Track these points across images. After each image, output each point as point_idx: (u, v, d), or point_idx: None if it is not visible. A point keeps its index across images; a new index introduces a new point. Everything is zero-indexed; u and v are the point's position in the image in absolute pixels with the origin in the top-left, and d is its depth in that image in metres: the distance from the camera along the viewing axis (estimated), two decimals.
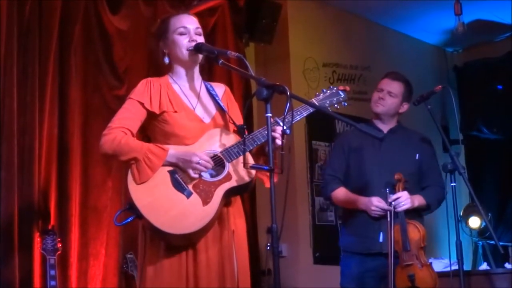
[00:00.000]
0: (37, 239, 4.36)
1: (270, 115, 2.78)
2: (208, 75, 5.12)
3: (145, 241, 2.96)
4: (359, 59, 6.84)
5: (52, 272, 4.18)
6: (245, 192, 3.11)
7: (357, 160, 4.26)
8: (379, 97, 4.28)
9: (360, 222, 4.17)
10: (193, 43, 3.06)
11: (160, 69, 3.30)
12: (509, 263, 5.90)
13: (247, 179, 2.97)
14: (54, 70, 4.73)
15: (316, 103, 3.16)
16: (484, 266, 6.19)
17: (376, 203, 4.03)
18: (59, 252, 4.30)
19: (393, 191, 4.02)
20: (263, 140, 2.98)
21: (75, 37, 4.91)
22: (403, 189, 4.03)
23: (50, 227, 4.42)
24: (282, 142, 2.94)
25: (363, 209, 4.11)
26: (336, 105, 3.22)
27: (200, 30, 3.14)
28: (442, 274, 4.61)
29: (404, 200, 4.00)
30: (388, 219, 3.96)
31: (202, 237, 2.91)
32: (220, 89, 3.25)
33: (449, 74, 7.81)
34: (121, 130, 2.97)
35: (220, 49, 3.07)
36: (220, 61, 3.02)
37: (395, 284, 3.90)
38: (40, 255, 4.32)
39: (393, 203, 3.99)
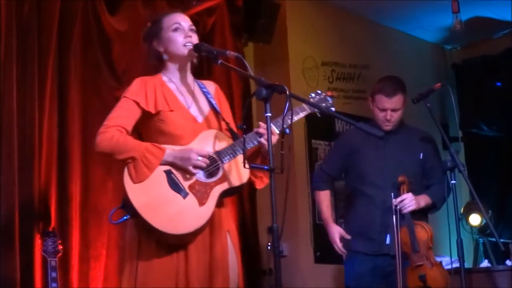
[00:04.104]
0: (37, 241, 4.35)
1: (270, 114, 2.78)
2: (207, 75, 5.12)
3: (139, 238, 2.94)
4: (358, 57, 6.83)
5: (53, 274, 4.17)
6: (237, 193, 3.14)
7: (359, 160, 4.21)
8: (385, 118, 4.14)
9: (364, 223, 4.15)
10: (189, 39, 3.07)
11: (156, 71, 3.30)
12: (510, 260, 5.89)
13: (242, 180, 2.99)
14: (53, 70, 4.72)
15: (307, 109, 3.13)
16: (485, 264, 6.19)
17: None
18: (60, 254, 4.28)
19: (398, 194, 4.01)
20: (252, 145, 3.00)
21: (74, 37, 4.90)
22: (408, 191, 4.01)
23: (50, 229, 4.40)
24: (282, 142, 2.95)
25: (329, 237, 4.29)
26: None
27: (193, 27, 3.15)
28: None
29: (409, 202, 3.99)
30: (394, 222, 3.95)
31: (196, 237, 2.92)
32: (211, 87, 3.26)
33: (447, 71, 7.80)
34: (117, 128, 2.98)
35: (219, 49, 3.08)
36: (219, 61, 3.02)
37: (407, 285, 3.90)
38: (41, 257, 4.31)
39: (398, 205, 3.97)
